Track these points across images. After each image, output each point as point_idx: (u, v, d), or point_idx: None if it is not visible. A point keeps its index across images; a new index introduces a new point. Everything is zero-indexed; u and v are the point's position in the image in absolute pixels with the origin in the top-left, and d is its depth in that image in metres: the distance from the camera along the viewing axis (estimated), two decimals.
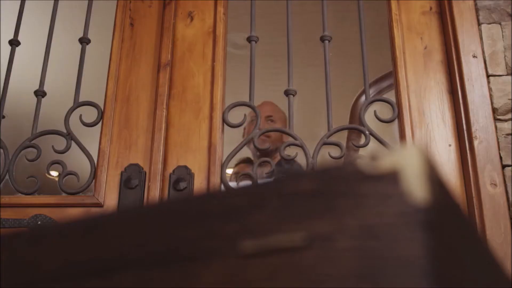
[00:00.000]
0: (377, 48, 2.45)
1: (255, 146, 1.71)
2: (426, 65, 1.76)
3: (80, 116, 1.72)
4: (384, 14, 1.92)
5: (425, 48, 1.78)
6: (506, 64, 1.67)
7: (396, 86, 1.75)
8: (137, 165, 1.64)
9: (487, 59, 1.68)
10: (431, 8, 1.84)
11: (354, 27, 2.00)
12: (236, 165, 2.51)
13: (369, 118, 1.73)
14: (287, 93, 1.76)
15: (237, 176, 2.41)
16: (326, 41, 1.82)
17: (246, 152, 2.26)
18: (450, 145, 1.64)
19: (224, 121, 1.73)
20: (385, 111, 1.72)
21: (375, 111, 1.70)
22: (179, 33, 1.85)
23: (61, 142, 1.68)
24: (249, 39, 1.84)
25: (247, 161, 2.44)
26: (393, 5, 1.85)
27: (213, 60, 1.80)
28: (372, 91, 2.71)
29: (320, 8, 1.90)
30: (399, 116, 1.68)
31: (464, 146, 1.60)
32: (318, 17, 1.90)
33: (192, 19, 1.88)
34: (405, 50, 1.78)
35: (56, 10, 1.93)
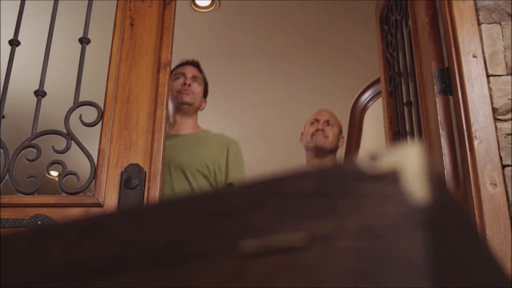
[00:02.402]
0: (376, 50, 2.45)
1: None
2: (427, 86, 1.84)
3: (80, 116, 1.71)
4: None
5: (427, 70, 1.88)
6: (506, 64, 1.67)
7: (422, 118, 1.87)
8: (137, 165, 1.64)
9: (487, 59, 1.68)
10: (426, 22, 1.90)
11: (354, 27, 2.00)
12: (178, 66, 2.55)
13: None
14: None
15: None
16: None
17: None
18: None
19: None
20: None
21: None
22: None
23: (61, 142, 1.68)
24: None
25: (191, 63, 2.53)
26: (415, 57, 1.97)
27: None
28: (371, 91, 2.71)
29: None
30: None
31: (464, 146, 1.60)
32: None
33: None
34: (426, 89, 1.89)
35: (56, 10, 1.92)
